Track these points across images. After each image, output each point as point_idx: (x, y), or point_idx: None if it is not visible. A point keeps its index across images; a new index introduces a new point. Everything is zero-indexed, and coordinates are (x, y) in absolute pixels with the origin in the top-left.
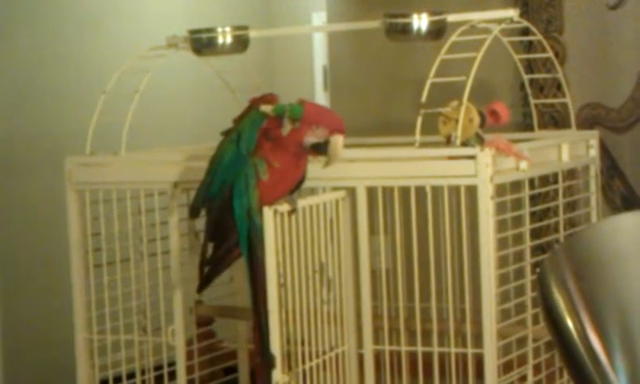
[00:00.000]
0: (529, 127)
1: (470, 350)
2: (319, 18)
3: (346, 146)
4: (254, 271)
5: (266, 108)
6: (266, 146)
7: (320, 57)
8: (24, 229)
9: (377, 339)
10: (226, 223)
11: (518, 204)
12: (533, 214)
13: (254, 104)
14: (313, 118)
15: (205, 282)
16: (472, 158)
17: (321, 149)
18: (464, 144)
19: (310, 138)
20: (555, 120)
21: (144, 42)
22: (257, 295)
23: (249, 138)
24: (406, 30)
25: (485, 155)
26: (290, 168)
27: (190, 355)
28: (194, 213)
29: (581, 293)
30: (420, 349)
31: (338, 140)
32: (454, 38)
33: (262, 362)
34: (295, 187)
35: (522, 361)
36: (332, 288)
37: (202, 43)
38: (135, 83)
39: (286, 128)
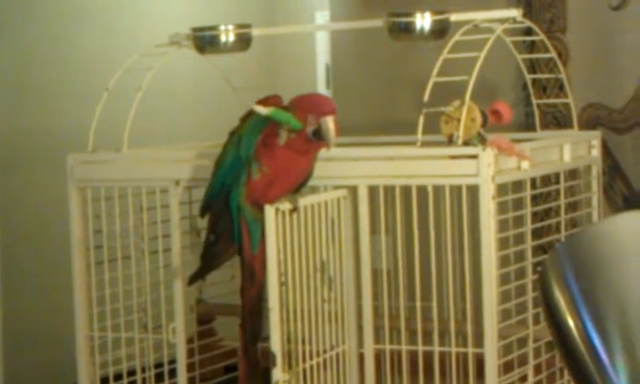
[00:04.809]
0: (531, 127)
1: (471, 350)
2: (322, 16)
3: (348, 145)
4: (242, 265)
5: (262, 110)
6: (262, 150)
7: (323, 55)
8: (25, 226)
9: (377, 338)
10: (224, 219)
11: (519, 204)
12: (534, 214)
13: (259, 104)
14: (303, 112)
15: (197, 275)
16: (474, 157)
17: (318, 135)
18: (466, 143)
19: (309, 129)
20: (557, 120)
21: (147, 39)
22: (242, 289)
23: (248, 144)
24: (408, 29)
25: (487, 155)
26: (285, 172)
27: (190, 353)
28: (201, 213)
29: (582, 292)
30: (421, 348)
31: (327, 123)
32: (456, 37)
33: (245, 356)
34: (298, 188)
35: (523, 361)
36: (333, 287)
37: (204, 41)
38: (138, 81)
39: (282, 138)
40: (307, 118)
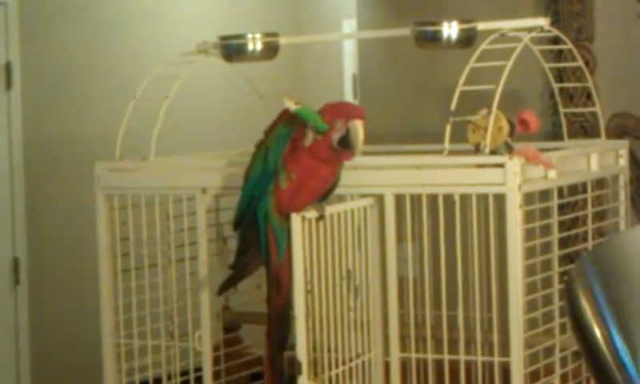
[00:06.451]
0: (558, 136)
1: (497, 359)
2: (349, 25)
3: (375, 154)
4: (268, 274)
5: (291, 104)
6: (289, 157)
7: (350, 64)
8: (53, 233)
9: (403, 347)
10: (252, 229)
11: (546, 213)
12: (561, 223)
13: (284, 115)
14: (332, 117)
15: (227, 285)
16: (501, 166)
17: (345, 141)
18: (493, 152)
19: (335, 136)
20: (585, 129)
21: (174, 46)
22: (269, 298)
23: (275, 156)
24: (436, 37)
25: (513, 164)
26: (309, 179)
27: (216, 361)
28: (234, 227)
29: (608, 301)
30: (447, 357)
31: (356, 125)
32: (484, 46)
33: (271, 365)
34: (325, 195)
35: (549, 370)
36: (359, 295)
37: (232, 50)
38: (165, 89)
39: (309, 138)
40: (335, 122)
